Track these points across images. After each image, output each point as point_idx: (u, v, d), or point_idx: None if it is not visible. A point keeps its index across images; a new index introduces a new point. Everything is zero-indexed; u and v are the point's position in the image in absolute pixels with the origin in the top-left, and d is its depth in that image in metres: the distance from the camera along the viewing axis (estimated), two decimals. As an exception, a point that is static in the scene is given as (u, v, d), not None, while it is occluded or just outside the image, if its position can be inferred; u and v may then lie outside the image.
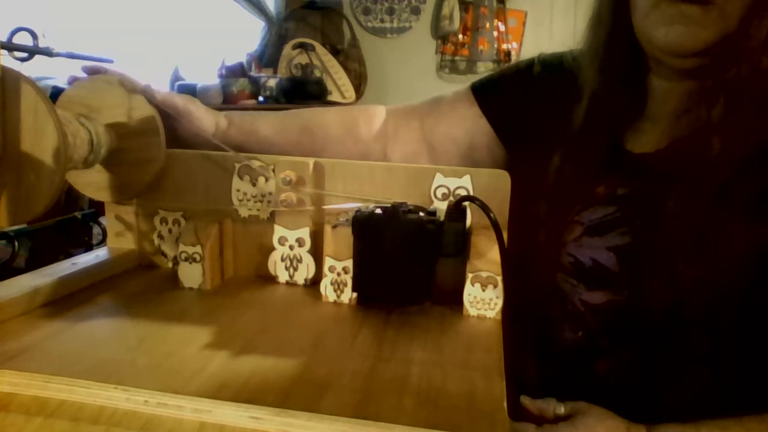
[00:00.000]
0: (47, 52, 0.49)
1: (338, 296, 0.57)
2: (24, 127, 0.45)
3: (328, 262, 0.56)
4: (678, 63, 0.54)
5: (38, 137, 0.45)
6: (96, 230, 1.07)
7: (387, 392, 0.40)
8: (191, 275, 0.60)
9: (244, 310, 0.55)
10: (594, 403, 0.55)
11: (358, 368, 0.44)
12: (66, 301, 0.56)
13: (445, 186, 0.57)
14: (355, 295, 0.56)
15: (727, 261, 0.50)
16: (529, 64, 0.70)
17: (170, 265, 0.66)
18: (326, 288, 0.57)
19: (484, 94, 0.70)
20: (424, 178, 0.58)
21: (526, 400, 0.57)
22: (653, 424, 0.52)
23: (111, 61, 0.59)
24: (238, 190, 0.62)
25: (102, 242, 1.05)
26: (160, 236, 0.66)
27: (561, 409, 0.55)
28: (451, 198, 0.57)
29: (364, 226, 0.53)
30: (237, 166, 0.62)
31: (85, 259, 0.63)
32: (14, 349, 0.45)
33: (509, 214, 0.56)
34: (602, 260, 0.56)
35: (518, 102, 0.68)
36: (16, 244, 0.87)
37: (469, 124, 0.70)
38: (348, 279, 0.56)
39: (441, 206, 0.56)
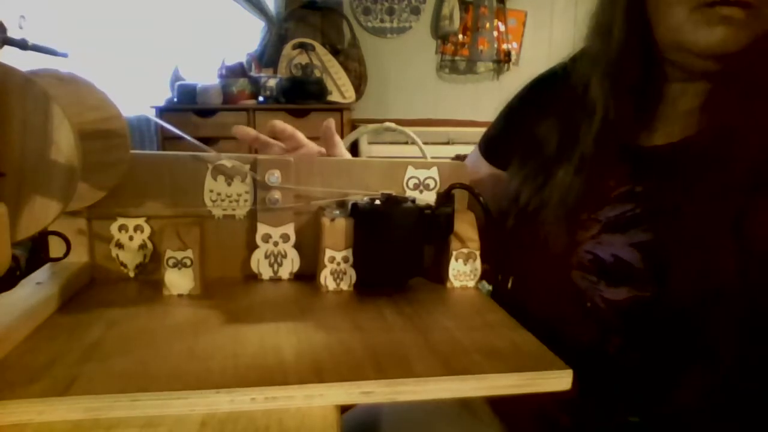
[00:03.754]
0: (20, 43, 0.49)
1: (338, 285, 0.58)
2: (38, 138, 0.41)
3: (327, 253, 0.57)
4: (706, 65, 0.54)
5: (54, 147, 0.41)
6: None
7: (457, 353, 0.42)
8: (180, 281, 0.56)
9: (255, 309, 0.53)
10: (605, 405, 0.54)
11: (413, 339, 0.45)
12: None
13: (416, 177, 0.63)
14: (354, 281, 0.58)
15: (759, 253, 0.48)
16: (519, 95, 0.75)
17: (132, 275, 0.60)
18: (326, 278, 0.58)
19: (489, 151, 0.78)
20: (397, 171, 0.63)
21: None
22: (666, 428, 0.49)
23: (65, 55, 0.58)
24: (211, 191, 0.61)
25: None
26: (119, 245, 0.60)
27: None
28: (421, 187, 0.63)
29: (367, 215, 0.55)
30: (210, 166, 0.60)
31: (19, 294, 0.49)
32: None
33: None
34: (625, 256, 0.54)
35: (521, 135, 0.71)
36: None
37: (489, 177, 0.77)
38: (347, 268, 0.57)
39: (414, 195, 0.62)
